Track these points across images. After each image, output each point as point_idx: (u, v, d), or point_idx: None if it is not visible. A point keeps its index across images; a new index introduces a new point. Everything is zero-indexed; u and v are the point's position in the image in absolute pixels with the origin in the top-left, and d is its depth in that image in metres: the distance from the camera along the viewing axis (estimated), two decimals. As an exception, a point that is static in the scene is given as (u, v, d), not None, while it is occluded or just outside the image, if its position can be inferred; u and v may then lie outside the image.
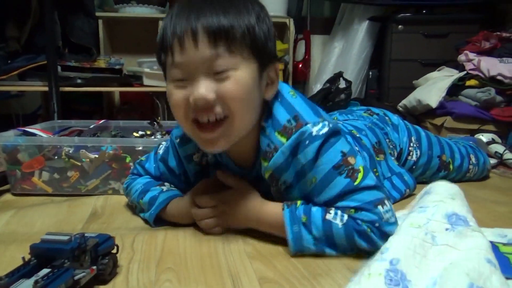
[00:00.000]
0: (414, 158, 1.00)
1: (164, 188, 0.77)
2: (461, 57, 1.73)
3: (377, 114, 1.02)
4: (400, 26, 2.09)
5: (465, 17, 2.14)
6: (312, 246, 0.60)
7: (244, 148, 0.68)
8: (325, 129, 0.61)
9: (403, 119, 1.07)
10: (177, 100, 0.60)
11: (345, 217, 0.59)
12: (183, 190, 0.77)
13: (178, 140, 0.75)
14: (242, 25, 0.58)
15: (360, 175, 0.61)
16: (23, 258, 0.49)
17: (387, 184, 0.89)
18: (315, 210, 0.61)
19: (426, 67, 2.01)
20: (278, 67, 0.66)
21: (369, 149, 0.86)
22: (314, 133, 0.61)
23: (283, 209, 0.63)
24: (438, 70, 1.87)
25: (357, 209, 0.59)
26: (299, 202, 0.64)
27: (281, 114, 0.64)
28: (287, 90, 0.68)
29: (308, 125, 0.61)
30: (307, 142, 0.61)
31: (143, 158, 0.85)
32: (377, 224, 0.58)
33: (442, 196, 0.60)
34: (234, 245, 0.65)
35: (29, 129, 1.03)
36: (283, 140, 0.62)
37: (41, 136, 1.01)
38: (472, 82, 1.66)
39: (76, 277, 0.48)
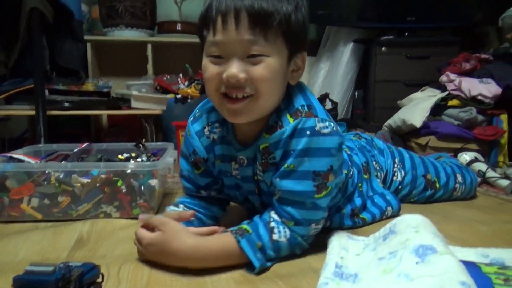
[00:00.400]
0: (399, 178, 1.03)
1: None
2: (443, 78, 1.78)
3: (365, 139, 1.07)
4: (383, 48, 2.15)
5: (445, 40, 2.21)
6: (269, 264, 0.66)
7: (254, 126, 0.71)
8: (327, 130, 0.66)
9: (386, 143, 1.10)
10: (211, 74, 0.65)
11: (287, 232, 0.67)
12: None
13: (192, 118, 0.80)
14: (281, 12, 0.62)
15: (324, 192, 0.68)
16: None
17: (368, 202, 0.91)
18: (262, 232, 0.66)
19: (410, 88, 2.06)
20: (305, 55, 0.70)
21: (359, 165, 0.91)
22: (317, 128, 0.66)
23: (238, 240, 0.64)
24: (421, 91, 1.92)
25: (296, 223, 0.68)
26: (247, 228, 0.67)
27: (297, 100, 0.69)
28: (308, 89, 0.74)
29: (316, 119, 0.66)
30: (307, 132, 0.65)
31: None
32: (305, 238, 0.70)
33: (406, 233, 0.62)
34: (221, 273, 0.65)
35: (14, 155, 1.03)
36: (291, 121, 0.67)
37: (29, 161, 1.01)
38: (454, 102, 1.71)
39: (60, 309, 0.48)
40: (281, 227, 0.68)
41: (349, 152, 0.92)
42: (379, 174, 0.99)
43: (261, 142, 0.70)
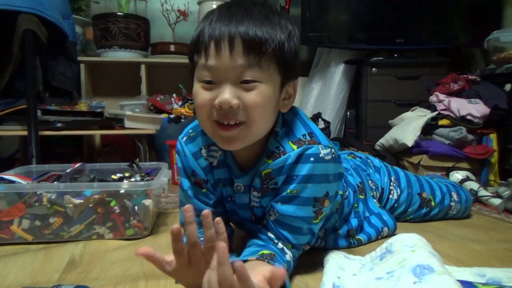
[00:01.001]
0: (395, 196, 1.04)
1: None
2: (432, 98, 1.81)
3: (360, 157, 1.08)
4: (374, 69, 2.19)
5: (433, 61, 2.26)
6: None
7: (252, 150, 0.70)
8: (329, 157, 0.67)
9: (382, 161, 1.11)
10: (202, 100, 0.64)
11: (291, 254, 0.69)
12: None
13: (185, 138, 0.77)
14: (275, 39, 0.62)
15: (320, 217, 0.70)
16: None
17: (364, 223, 0.91)
18: (281, 255, 0.66)
19: (401, 107, 2.09)
20: (297, 83, 0.70)
21: (354, 186, 0.92)
22: (321, 155, 0.66)
23: (273, 266, 0.61)
24: (412, 110, 1.95)
25: (293, 246, 0.69)
26: (271, 252, 0.65)
27: (298, 129, 0.70)
28: (303, 114, 0.74)
29: (319, 146, 0.67)
30: (311, 158, 0.66)
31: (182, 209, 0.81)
32: (298, 257, 0.72)
33: (403, 253, 0.63)
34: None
35: (5, 176, 1.01)
36: (294, 147, 0.67)
37: (20, 182, 0.99)
38: (444, 121, 1.73)
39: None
40: (285, 249, 0.68)
41: (344, 173, 0.92)
42: (375, 193, 0.99)
43: (263, 168, 0.69)
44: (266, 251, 0.65)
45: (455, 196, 1.11)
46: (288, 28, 0.65)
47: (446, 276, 0.55)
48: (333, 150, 0.68)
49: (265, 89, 0.62)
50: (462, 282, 0.57)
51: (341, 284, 0.64)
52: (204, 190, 0.76)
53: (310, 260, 0.76)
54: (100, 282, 0.69)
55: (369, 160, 1.07)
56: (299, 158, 0.66)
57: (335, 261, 0.72)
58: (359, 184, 0.94)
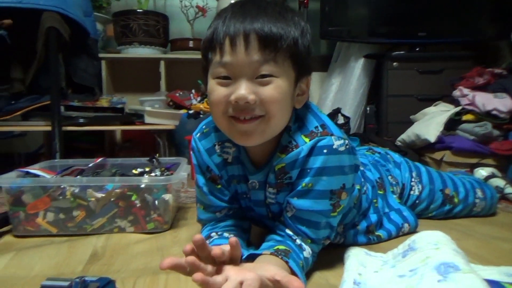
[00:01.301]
0: (417, 192, 1.01)
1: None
2: (456, 93, 1.76)
3: (379, 153, 1.06)
4: (395, 63, 2.15)
5: (458, 54, 2.20)
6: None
7: (266, 146, 0.70)
8: (343, 148, 0.66)
9: (403, 157, 1.08)
10: (218, 97, 0.63)
11: (309, 249, 0.68)
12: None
13: (198, 134, 0.77)
14: (289, 35, 0.62)
15: (338, 210, 0.69)
16: None
17: (384, 219, 0.90)
18: (298, 251, 0.66)
19: (423, 102, 2.05)
20: (310, 80, 0.70)
21: (372, 181, 0.90)
22: (334, 146, 0.65)
23: (286, 261, 0.61)
24: (435, 105, 1.90)
25: (313, 241, 0.68)
26: (286, 248, 0.64)
27: (310, 122, 0.69)
28: (316, 107, 0.74)
29: (333, 137, 0.66)
30: (325, 150, 0.65)
31: (199, 205, 0.80)
32: (316, 253, 0.70)
33: (427, 250, 0.62)
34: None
35: (31, 170, 1.04)
36: (307, 140, 0.67)
37: (44, 176, 1.02)
38: (468, 116, 1.69)
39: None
40: (303, 245, 0.67)
41: (362, 168, 0.91)
42: (395, 189, 0.97)
43: (276, 163, 0.69)
44: (281, 247, 0.64)
45: (479, 193, 1.07)
46: (301, 25, 0.65)
47: (472, 275, 0.53)
48: (346, 141, 0.67)
49: (281, 84, 0.62)
50: (489, 281, 0.56)
51: (362, 280, 0.63)
52: (219, 186, 0.76)
53: (330, 257, 0.75)
54: (121, 274, 0.70)
55: (388, 155, 1.05)
56: (312, 151, 0.66)
57: (356, 257, 0.71)
58: (378, 180, 0.92)
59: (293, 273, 0.61)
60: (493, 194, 1.10)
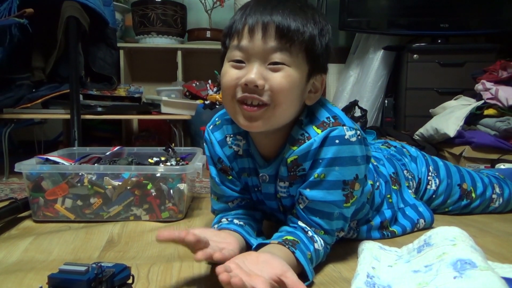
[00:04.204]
0: (434, 187, 1.00)
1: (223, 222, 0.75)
2: (478, 86, 1.72)
3: (395, 147, 1.04)
4: (415, 56, 2.10)
5: (481, 47, 2.14)
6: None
7: (275, 140, 0.70)
8: (355, 138, 0.66)
9: (420, 150, 1.06)
10: (230, 78, 0.64)
11: (322, 242, 0.67)
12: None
13: (211, 126, 0.79)
14: (307, 32, 0.63)
15: (351, 201, 0.68)
16: None
17: (398, 214, 0.88)
18: (308, 242, 0.65)
19: (443, 96, 2.00)
20: (324, 79, 0.70)
21: (386, 176, 0.89)
22: (346, 136, 0.65)
23: (293, 252, 0.61)
24: (455, 99, 1.86)
25: (326, 232, 0.68)
26: (295, 238, 0.64)
27: (321, 113, 0.69)
28: (327, 101, 0.73)
29: (344, 127, 0.66)
30: (336, 140, 0.65)
31: (213, 196, 0.81)
32: (331, 245, 0.70)
33: (443, 246, 0.60)
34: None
35: (50, 157, 1.06)
36: (318, 131, 0.66)
37: (63, 163, 1.04)
38: (490, 111, 1.64)
39: (93, 308, 0.48)
40: (316, 236, 0.67)
41: (375, 163, 0.90)
42: (411, 183, 0.96)
43: (288, 155, 0.68)
44: (290, 237, 0.65)
45: (497, 189, 1.05)
46: (322, 24, 0.65)
47: (490, 272, 0.52)
48: (358, 132, 0.67)
49: (292, 73, 0.63)
50: (507, 279, 0.54)
51: (375, 274, 0.62)
52: (230, 178, 0.77)
53: (344, 250, 0.75)
54: (137, 261, 0.71)
55: (404, 149, 1.03)
56: (324, 141, 0.65)
57: (370, 251, 0.70)
58: (392, 175, 0.91)
59: (299, 264, 0.61)
60: (511, 190, 1.08)
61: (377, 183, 0.85)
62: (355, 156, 0.66)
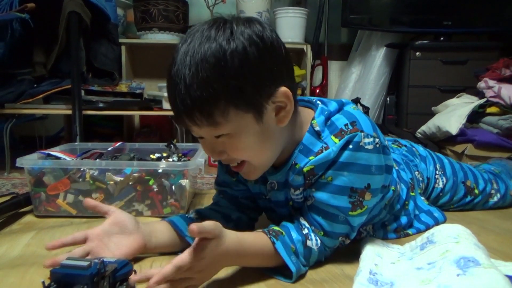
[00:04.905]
0: (441, 185, 1.00)
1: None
2: (481, 84, 1.71)
3: (405, 146, 1.02)
4: (418, 53, 2.09)
5: (484, 45, 2.13)
6: (303, 271, 0.64)
7: (283, 151, 0.69)
8: (371, 146, 0.63)
9: (424, 147, 1.06)
10: (204, 149, 0.66)
11: (318, 241, 0.66)
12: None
13: None
14: (216, 97, 0.56)
15: (359, 211, 0.66)
16: (43, 282, 0.50)
17: (414, 222, 0.88)
18: (295, 236, 0.65)
19: (445, 94, 2.00)
20: (283, 90, 0.61)
21: (407, 182, 0.87)
22: (361, 143, 0.63)
23: (273, 242, 0.62)
24: (458, 97, 1.86)
25: (325, 234, 0.66)
26: (280, 230, 0.65)
27: (340, 120, 0.65)
28: (349, 106, 0.69)
29: (362, 134, 0.63)
30: (350, 146, 0.63)
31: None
32: (333, 249, 0.69)
33: (446, 244, 0.60)
34: (252, 274, 0.64)
35: (52, 152, 1.06)
36: (336, 141, 0.64)
37: (65, 159, 1.04)
38: (493, 109, 1.64)
39: (95, 304, 0.48)
40: (312, 235, 0.66)
41: (397, 168, 0.87)
42: (421, 185, 0.95)
43: (304, 165, 0.66)
44: (276, 228, 0.65)
45: (495, 185, 1.07)
46: (233, 70, 0.56)
47: (493, 270, 0.52)
48: (377, 139, 0.64)
49: (240, 136, 0.60)
50: (510, 277, 0.54)
51: (378, 271, 0.62)
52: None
53: (346, 247, 0.74)
54: (138, 256, 0.71)
55: (414, 149, 1.01)
56: (343, 149, 0.63)
57: (372, 248, 0.70)
58: (410, 181, 0.89)
59: (277, 254, 0.61)
60: (507, 185, 1.09)
61: (398, 189, 0.82)
62: (369, 164, 0.64)
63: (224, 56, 0.56)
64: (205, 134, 0.61)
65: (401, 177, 0.87)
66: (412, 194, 0.89)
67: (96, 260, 0.52)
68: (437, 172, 0.99)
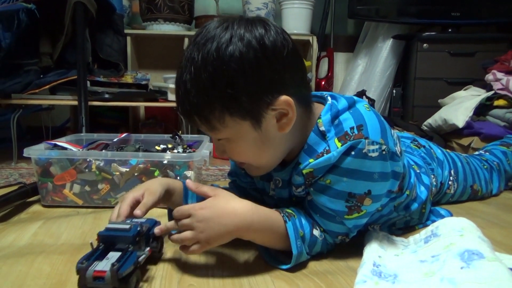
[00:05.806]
0: (452, 191, 1.01)
1: None
2: (489, 77, 1.69)
3: (424, 147, 0.99)
4: (425, 45, 2.07)
5: (492, 36, 2.11)
6: (304, 258, 0.64)
7: (291, 152, 0.68)
8: (375, 154, 0.61)
9: (444, 149, 1.06)
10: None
11: (322, 234, 0.67)
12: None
13: None
14: (211, 105, 0.58)
15: (356, 215, 0.65)
16: (92, 244, 0.58)
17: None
18: (304, 223, 0.65)
19: (452, 86, 1.98)
20: (284, 98, 0.59)
21: (428, 186, 0.85)
22: (364, 151, 0.60)
23: (285, 221, 0.62)
24: (465, 89, 1.84)
25: (324, 231, 0.67)
26: (293, 213, 0.65)
27: (348, 121, 0.63)
28: (362, 104, 0.66)
29: (366, 141, 0.61)
30: (352, 152, 0.61)
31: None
32: (334, 244, 0.69)
33: (450, 237, 0.61)
34: (257, 265, 0.65)
35: (58, 142, 1.07)
36: (339, 145, 0.61)
37: (71, 149, 1.04)
38: (500, 102, 1.62)
39: (139, 259, 0.56)
40: (317, 226, 0.67)
41: (418, 171, 0.85)
42: (433, 189, 0.92)
43: (304, 166, 0.64)
44: (290, 211, 0.65)
45: (490, 185, 1.11)
46: (227, 79, 0.56)
47: (497, 263, 0.52)
48: (384, 146, 0.61)
49: (237, 142, 0.62)
50: (514, 270, 0.54)
51: (382, 263, 0.62)
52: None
53: (350, 240, 0.75)
54: (144, 246, 0.72)
55: (432, 151, 0.99)
56: (345, 155, 0.61)
57: (376, 240, 0.70)
58: (429, 184, 0.86)
59: (285, 235, 0.61)
60: (499, 185, 1.13)
61: (414, 193, 0.79)
62: (371, 172, 0.62)
63: (220, 64, 0.56)
64: (208, 133, 0.64)
65: (422, 181, 0.84)
66: (431, 198, 0.87)
67: (134, 222, 0.60)
68: (451, 178, 0.98)
